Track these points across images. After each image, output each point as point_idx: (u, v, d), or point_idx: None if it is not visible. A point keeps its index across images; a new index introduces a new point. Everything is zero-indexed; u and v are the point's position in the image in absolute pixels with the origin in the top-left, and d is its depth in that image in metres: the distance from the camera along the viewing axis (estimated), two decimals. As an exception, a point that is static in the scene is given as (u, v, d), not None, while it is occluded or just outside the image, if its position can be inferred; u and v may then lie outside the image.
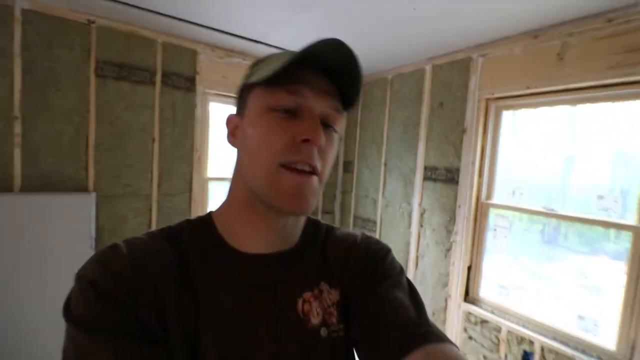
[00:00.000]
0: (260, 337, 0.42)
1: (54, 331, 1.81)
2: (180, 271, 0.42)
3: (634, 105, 1.63)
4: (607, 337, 1.67)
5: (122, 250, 0.40)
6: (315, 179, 0.43)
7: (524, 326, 1.94)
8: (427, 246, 2.48)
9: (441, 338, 0.41)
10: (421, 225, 2.52)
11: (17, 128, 1.89)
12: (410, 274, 2.59)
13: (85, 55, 2.05)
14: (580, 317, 1.80)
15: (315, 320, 0.45)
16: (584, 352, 1.72)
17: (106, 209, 2.16)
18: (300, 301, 0.45)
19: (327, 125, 0.44)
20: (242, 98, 0.47)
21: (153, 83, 2.27)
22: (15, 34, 1.85)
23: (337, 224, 3.40)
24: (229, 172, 0.51)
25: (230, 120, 0.49)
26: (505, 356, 1.99)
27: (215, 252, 0.45)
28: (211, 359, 0.40)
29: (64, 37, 1.98)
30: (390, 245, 2.49)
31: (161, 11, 1.97)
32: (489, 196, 2.20)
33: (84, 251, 2.01)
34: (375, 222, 2.92)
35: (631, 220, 1.60)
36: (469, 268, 2.24)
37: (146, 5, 1.90)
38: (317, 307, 0.46)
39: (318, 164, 0.42)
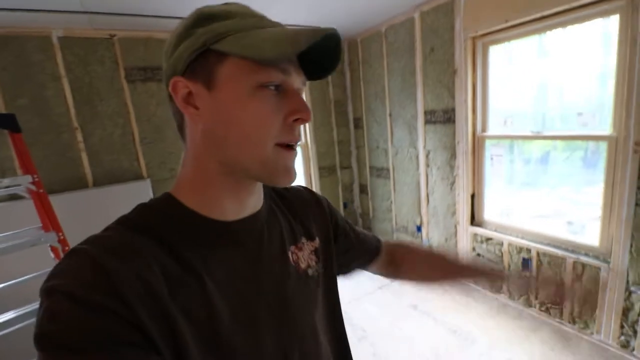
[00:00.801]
0: (266, 285, 0.48)
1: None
2: (170, 258, 0.40)
3: (601, 23, 1.73)
4: (592, 236, 1.93)
5: (94, 255, 0.35)
6: (297, 150, 0.46)
7: (522, 238, 2.23)
8: (435, 183, 2.76)
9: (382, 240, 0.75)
10: (427, 166, 2.78)
11: (79, 136, 2.34)
12: (423, 209, 2.91)
13: (115, 65, 2.41)
14: (569, 223, 2.05)
15: (303, 264, 0.55)
16: (573, 251, 1.99)
17: (160, 190, 2.63)
18: (290, 253, 0.54)
19: None
20: (200, 63, 0.40)
21: (173, 78, 2.61)
22: (58, 59, 2.24)
23: (356, 177, 3.72)
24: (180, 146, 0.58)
25: (177, 85, 0.41)
26: (509, 265, 2.31)
27: (196, 227, 0.44)
28: (227, 325, 0.42)
29: (95, 54, 2.35)
30: (403, 187, 2.89)
31: (170, 15, 2.25)
32: (484, 129, 2.40)
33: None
34: (388, 170, 3.21)
35: (606, 131, 1.78)
36: (472, 196, 2.51)
37: (156, 12, 2.18)
38: (302, 256, 0.56)
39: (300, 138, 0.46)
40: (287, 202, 0.59)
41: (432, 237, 2.91)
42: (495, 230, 2.39)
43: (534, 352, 1.92)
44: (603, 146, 1.80)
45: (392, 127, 3.06)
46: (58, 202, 2.21)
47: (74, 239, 1.94)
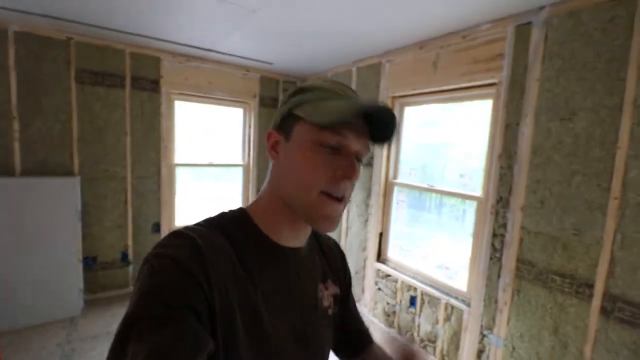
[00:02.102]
0: (295, 309, 0.55)
1: (46, 284, 2.40)
2: (238, 260, 0.49)
3: (478, 104, 2.11)
4: (462, 282, 2.20)
5: (194, 237, 0.45)
6: (343, 205, 0.53)
7: (412, 277, 2.48)
8: (353, 219, 3.01)
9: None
10: (350, 202, 3.05)
11: (16, 125, 2.43)
12: (342, 241, 3.13)
13: (67, 66, 2.56)
14: (447, 268, 2.33)
15: (325, 303, 0.61)
16: (447, 294, 2.25)
17: (89, 189, 2.72)
18: (318, 289, 0.61)
19: (357, 158, 0.52)
20: (287, 122, 0.53)
21: (123, 86, 2.78)
22: (10, 51, 2.37)
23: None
24: (263, 178, 0.71)
25: (271, 136, 0.55)
26: (400, 301, 2.54)
27: (259, 243, 0.53)
28: (267, 329, 0.49)
29: (49, 51, 2.49)
30: None
31: (128, 30, 2.46)
32: (395, 176, 2.70)
33: (72, 222, 2.57)
34: (319, 200, 3.45)
35: (477, 193, 2.10)
36: (380, 234, 2.77)
37: (114, 26, 2.38)
38: (327, 295, 0.62)
39: (347, 193, 0.52)
40: (323, 244, 0.68)
41: (347, 268, 3.11)
42: (394, 268, 2.63)
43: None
44: (473, 205, 2.12)
45: (327, 162, 3.34)
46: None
47: None
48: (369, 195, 2.82)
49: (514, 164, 1.85)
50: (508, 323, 1.88)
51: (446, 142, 2.38)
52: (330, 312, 0.63)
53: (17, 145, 2.45)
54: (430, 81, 2.29)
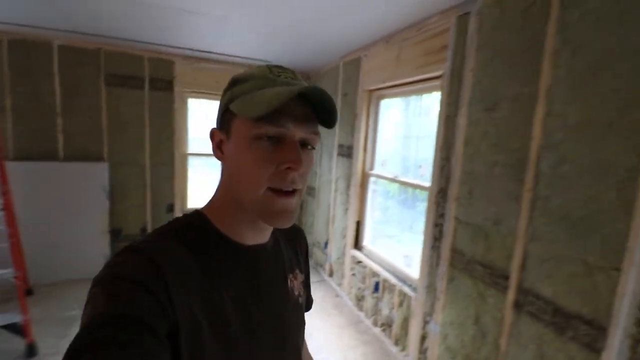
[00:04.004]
0: (268, 308, 0.54)
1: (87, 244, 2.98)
2: (200, 269, 0.47)
3: (430, 97, 2.12)
4: (416, 270, 2.25)
5: (149, 252, 0.42)
6: (296, 197, 0.50)
7: (378, 264, 2.57)
8: (337, 207, 3.16)
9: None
10: (336, 191, 3.20)
11: (59, 120, 3.05)
12: (330, 229, 3.31)
13: (97, 71, 3.12)
14: (406, 256, 2.38)
15: (295, 292, 0.62)
16: (403, 281, 2.32)
17: (116, 173, 3.28)
18: (288, 281, 0.61)
19: (305, 144, 0.50)
20: (225, 118, 0.50)
21: (143, 87, 3.28)
22: (54, 61, 2.97)
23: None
24: (214, 166, 0.52)
25: (214, 135, 0.53)
26: (368, 286, 2.65)
27: (222, 246, 0.51)
28: (237, 335, 0.48)
29: (83, 60, 3.06)
30: (319, 208, 3.44)
31: (145, 40, 2.92)
32: (371, 167, 2.79)
33: (102, 199, 3.15)
34: (314, 189, 3.65)
35: (428, 184, 2.13)
36: (358, 223, 2.89)
37: (134, 37, 2.85)
38: (296, 284, 0.63)
39: (299, 184, 0.49)
40: (287, 235, 0.67)
41: (332, 254, 3.29)
42: (367, 256, 2.74)
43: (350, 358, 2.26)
44: (426, 195, 2.15)
45: (322, 154, 3.52)
46: (33, 167, 2.92)
47: (38, 198, 2.61)
48: (348, 185, 2.94)
49: (451, 156, 1.87)
50: (443, 310, 1.92)
51: (414, 135, 2.42)
52: (300, 300, 0.64)
53: (60, 137, 3.07)
54: (395, 74, 2.34)
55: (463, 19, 1.79)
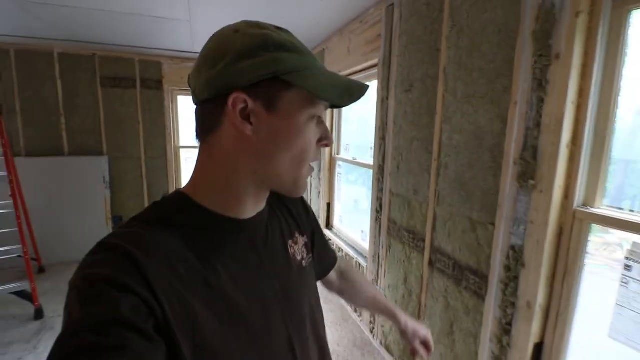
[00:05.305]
0: (270, 277, 0.53)
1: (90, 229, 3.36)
2: (190, 250, 0.44)
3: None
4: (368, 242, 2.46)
5: (125, 247, 0.38)
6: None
7: (344, 241, 2.79)
8: (313, 191, 3.39)
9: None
10: (311, 176, 3.43)
11: (62, 120, 3.43)
12: (307, 212, 3.54)
13: (94, 74, 3.47)
14: (362, 231, 2.59)
15: (298, 257, 0.61)
16: (360, 254, 2.53)
17: (114, 166, 3.64)
18: (289, 247, 0.60)
19: None
20: (266, 86, 0.43)
21: (135, 87, 3.61)
22: (56, 67, 3.35)
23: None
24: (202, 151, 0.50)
25: (239, 101, 0.43)
26: (335, 261, 2.87)
27: (212, 224, 0.47)
28: (243, 310, 0.46)
29: (80, 65, 3.42)
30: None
31: (135, 45, 3.24)
32: (338, 152, 3.00)
33: (103, 190, 3.52)
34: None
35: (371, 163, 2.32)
36: (328, 204, 3.11)
37: (125, 43, 3.18)
38: (298, 249, 0.62)
39: None
40: (282, 200, 0.64)
41: (311, 235, 3.52)
42: (336, 234, 2.96)
43: None
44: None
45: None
46: (42, 162, 3.31)
47: (47, 189, 3.01)
48: (320, 170, 3.16)
49: (386, 135, 2.05)
50: (385, 276, 2.12)
51: (365, 120, 2.61)
52: (305, 263, 0.62)
53: (64, 134, 3.45)
54: (348, 64, 2.54)
55: (390, 10, 1.97)
